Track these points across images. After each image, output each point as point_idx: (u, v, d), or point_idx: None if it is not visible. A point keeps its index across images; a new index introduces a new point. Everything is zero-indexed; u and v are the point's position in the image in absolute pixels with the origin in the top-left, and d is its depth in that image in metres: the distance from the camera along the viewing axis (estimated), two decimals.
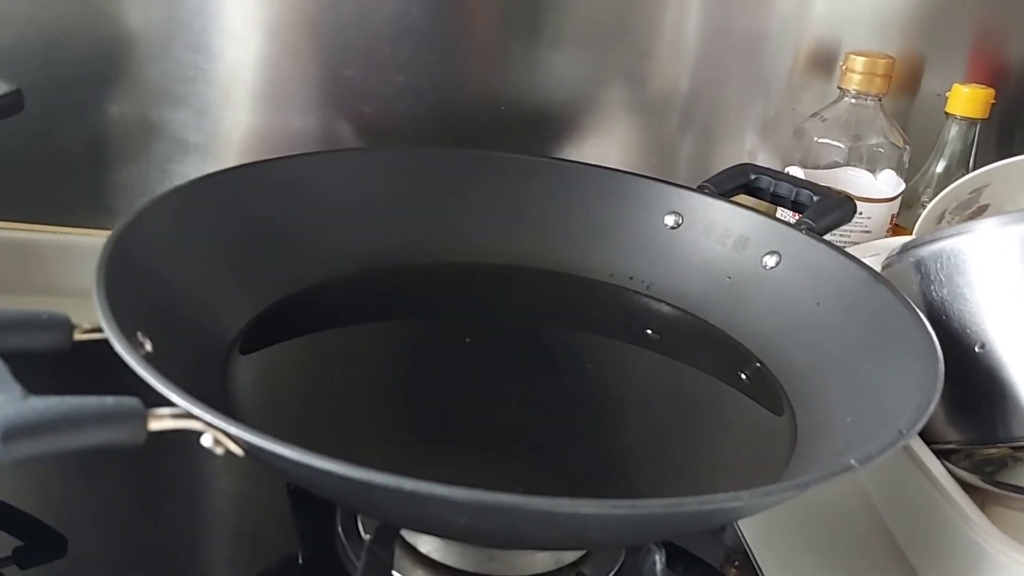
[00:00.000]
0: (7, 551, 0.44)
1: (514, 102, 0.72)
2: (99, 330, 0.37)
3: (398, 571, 0.44)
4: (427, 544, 0.45)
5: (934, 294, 0.51)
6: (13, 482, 0.49)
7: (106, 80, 0.66)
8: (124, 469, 0.50)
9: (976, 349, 0.50)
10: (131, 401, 0.33)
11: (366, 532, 0.46)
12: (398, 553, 0.44)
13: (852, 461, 0.36)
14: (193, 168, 0.68)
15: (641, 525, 0.35)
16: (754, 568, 0.50)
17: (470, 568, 0.44)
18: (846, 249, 0.55)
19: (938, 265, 0.51)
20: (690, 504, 0.32)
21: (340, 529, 0.47)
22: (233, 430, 0.32)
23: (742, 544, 0.51)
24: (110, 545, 0.47)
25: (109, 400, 0.32)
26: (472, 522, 0.34)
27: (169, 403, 0.34)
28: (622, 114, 0.75)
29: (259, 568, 0.47)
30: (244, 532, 0.50)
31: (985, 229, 0.50)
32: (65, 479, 0.50)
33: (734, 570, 0.50)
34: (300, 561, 0.46)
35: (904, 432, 0.38)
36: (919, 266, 0.52)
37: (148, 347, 0.40)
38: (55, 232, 0.67)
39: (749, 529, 0.52)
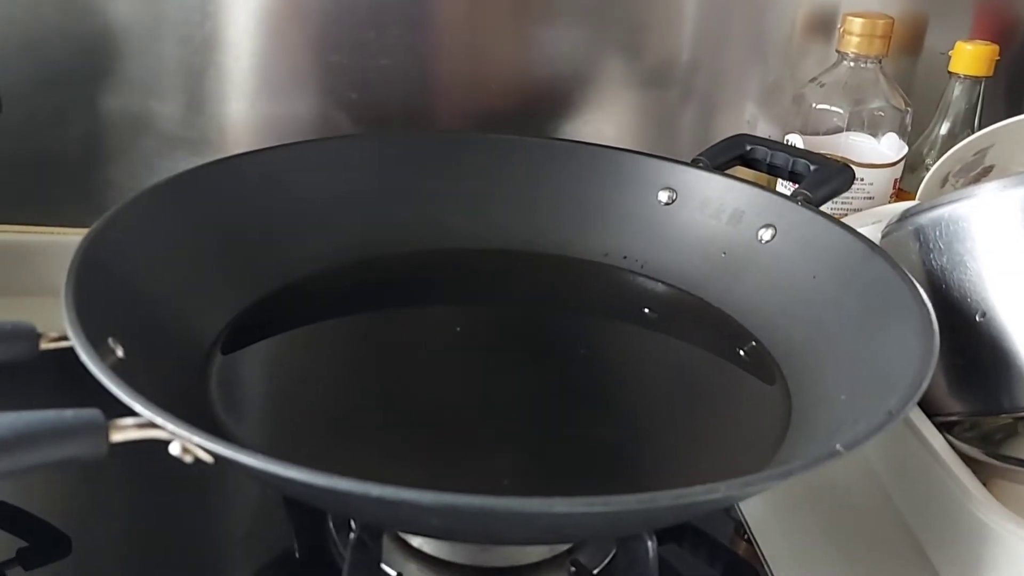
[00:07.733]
0: (11, 552, 0.44)
1: (505, 80, 0.71)
2: (66, 338, 0.37)
3: (389, 564, 0.44)
4: (417, 537, 0.44)
5: (934, 263, 0.50)
6: (16, 482, 0.48)
7: (89, 77, 0.65)
8: (126, 468, 0.50)
9: (977, 318, 0.48)
10: (91, 413, 0.32)
11: (355, 527, 0.45)
12: (389, 546, 0.44)
13: (838, 446, 0.35)
14: (181, 163, 0.67)
15: (619, 520, 0.34)
16: (751, 541, 0.49)
17: (462, 560, 0.44)
18: (848, 216, 0.54)
19: (937, 232, 0.50)
20: (665, 499, 0.31)
21: (331, 524, 0.46)
22: (197, 439, 0.31)
23: (739, 517, 0.51)
24: (114, 545, 0.48)
25: (68, 413, 0.32)
26: (447, 524, 0.34)
27: (135, 412, 0.33)
28: (617, 88, 0.73)
29: (257, 564, 0.47)
30: (242, 529, 0.50)
31: (985, 194, 0.49)
32: (68, 479, 0.50)
33: (740, 542, 0.50)
34: (296, 556, 0.46)
35: (893, 413, 0.37)
36: (918, 234, 0.51)
37: (120, 353, 0.39)
38: (42, 232, 0.67)
39: (747, 502, 0.52)
